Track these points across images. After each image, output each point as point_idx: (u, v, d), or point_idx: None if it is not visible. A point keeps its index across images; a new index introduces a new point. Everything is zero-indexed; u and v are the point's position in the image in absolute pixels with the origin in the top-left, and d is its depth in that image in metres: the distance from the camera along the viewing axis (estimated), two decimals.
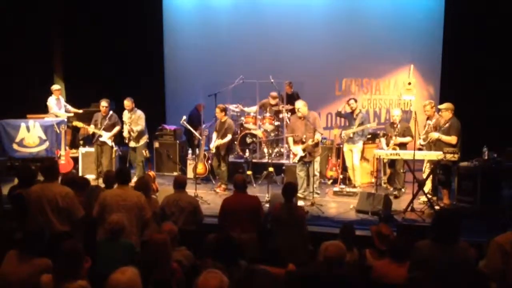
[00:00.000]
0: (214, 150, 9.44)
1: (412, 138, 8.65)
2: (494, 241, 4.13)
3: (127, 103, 9.63)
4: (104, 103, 9.64)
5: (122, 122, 9.79)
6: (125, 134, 9.66)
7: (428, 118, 8.56)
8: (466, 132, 8.21)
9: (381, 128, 9.80)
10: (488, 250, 4.19)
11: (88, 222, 5.68)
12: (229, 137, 9.32)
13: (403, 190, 9.14)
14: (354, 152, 9.21)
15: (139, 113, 9.71)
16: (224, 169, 9.42)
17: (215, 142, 9.37)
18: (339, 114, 9.69)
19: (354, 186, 9.23)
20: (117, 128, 9.75)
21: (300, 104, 8.54)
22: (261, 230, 6.30)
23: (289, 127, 8.94)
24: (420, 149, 8.33)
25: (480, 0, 10.68)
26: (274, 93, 10.63)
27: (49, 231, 5.19)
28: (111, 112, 9.71)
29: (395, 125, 8.79)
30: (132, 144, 9.71)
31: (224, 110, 9.48)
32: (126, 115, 9.74)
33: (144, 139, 9.76)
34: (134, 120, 9.62)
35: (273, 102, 10.68)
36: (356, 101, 9.31)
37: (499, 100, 10.57)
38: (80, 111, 11.23)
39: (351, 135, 9.12)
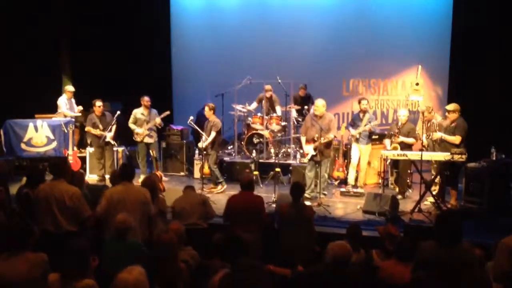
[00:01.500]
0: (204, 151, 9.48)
1: (416, 140, 8.63)
2: (502, 242, 4.12)
3: (148, 99, 9.83)
4: (99, 103, 9.69)
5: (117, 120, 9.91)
6: (142, 131, 9.72)
7: (429, 121, 8.54)
8: (474, 133, 8.17)
9: (388, 129, 9.77)
10: (495, 251, 4.17)
11: (96, 221, 5.70)
12: (212, 134, 9.27)
13: (410, 191, 9.11)
14: (363, 153, 9.20)
15: (155, 110, 9.93)
16: (214, 168, 9.41)
17: (204, 142, 9.36)
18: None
19: (355, 186, 9.23)
20: (115, 127, 9.83)
21: (319, 103, 8.54)
22: (263, 230, 6.30)
23: (303, 125, 8.95)
24: (421, 150, 8.31)
25: (489, 1, 10.63)
26: (268, 86, 10.69)
27: (57, 230, 5.25)
28: (118, 112, 9.76)
29: (399, 125, 8.74)
30: (149, 140, 9.86)
31: (212, 109, 9.43)
32: (141, 112, 9.83)
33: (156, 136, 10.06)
34: (152, 117, 9.82)
35: (267, 95, 10.71)
36: (368, 102, 9.31)
37: (508, 100, 10.51)
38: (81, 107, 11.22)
39: (357, 136, 9.10)
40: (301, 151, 9.63)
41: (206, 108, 9.44)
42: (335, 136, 8.77)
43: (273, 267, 4.90)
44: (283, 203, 6.63)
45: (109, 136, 9.64)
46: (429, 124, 8.55)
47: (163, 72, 13.10)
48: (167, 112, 9.92)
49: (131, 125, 9.83)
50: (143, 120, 9.78)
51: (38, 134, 10.36)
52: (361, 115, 9.20)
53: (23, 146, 10.32)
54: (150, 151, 9.60)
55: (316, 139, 8.40)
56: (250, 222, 6.11)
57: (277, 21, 12.24)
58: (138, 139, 9.84)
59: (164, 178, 9.74)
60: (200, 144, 9.48)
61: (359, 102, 9.27)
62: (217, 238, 5.02)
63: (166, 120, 10.59)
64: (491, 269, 4.21)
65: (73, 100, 11.13)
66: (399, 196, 8.67)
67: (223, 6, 12.84)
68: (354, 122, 9.34)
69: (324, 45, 11.96)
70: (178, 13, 13.17)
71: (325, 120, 8.53)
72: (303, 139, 8.79)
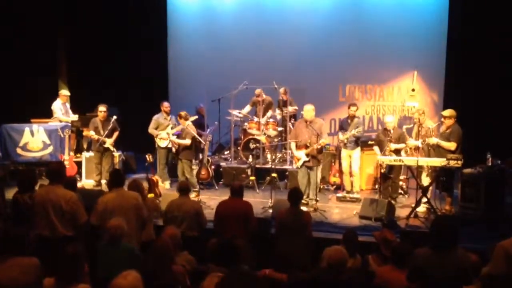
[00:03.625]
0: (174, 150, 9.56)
1: (405, 143, 8.62)
2: (499, 246, 4.11)
3: (168, 105, 10.03)
4: (102, 108, 9.69)
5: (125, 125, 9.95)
6: (166, 135, 9.77)
7: (420, 125, 8.49)
8: (469, 139, 8.18)
9: (376, 135, 9.73)
10: (492, 255, 4.17)
11: (91, 226, 5.69)
12: (185, 141, 9.29)
13: (406, 196, 9.12)
14: (353, 158, 9.18)
15: (173, 117, 10.07)
16: (189, 176, 9.30)
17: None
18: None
19: (351, 192, 9.22)
20: (117, 133, 9.82)
21: (309, 108, 8.50)
22: (251, 236, 6.30)
23: (292, 131, 8.90)
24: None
25: (485, 7, 10.68)
26: (258, 91, 10.68)
27: (53, 235, 5.23)
28: (115, 117, 9.74)
29: (388, 132, 8.72)
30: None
31: (184, 117, 9.39)
32: (163, 117, 9.93)
33: None
34: (173, 122, 9.95)
35: (260, 99, 10.69)
36: (356, 107, 9.29)
37: (503, 106, 10.55)
38: (76, 116, 11.18)
39: (345, 141, 9.08)
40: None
41: (178, 117, 9.51)
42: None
43: (270, 272, 4.89)
44: (281, 208, 6.63)
45: (109, 142, 9.63)
46: (420, 128, 8.51)
47: (160, 77, 13.10)
48: (196, 117, 9.96)
49: (153, 131, 9.87)
50: (166, 125, 9.82)
51: (34, 139, 10.32)
52: (349, 120, 9.19)
53: (19, 150, 10.27)
54: (147, 156, 9.58)
55: (308, 144, 8.36)
56: (238, 228, 6.12)
57: (273, 26, 12.26)
58: (162, 144, 9.84)
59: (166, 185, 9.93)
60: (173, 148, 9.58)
61: (349, 107, 9.26)
62: (211, 244, 5.02)
63: None
64: (488, 273, 4.20)
65: (67, 105, 11.09)
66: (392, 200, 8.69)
67: (220, 11, 12.86)
68: (342, 127, 9.32)
69: (320, 50, 11.99)
70: (175, 18, 13.18)
71: (316, 124, 8.48)
72: (293, 145, 8.70)
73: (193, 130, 9.33)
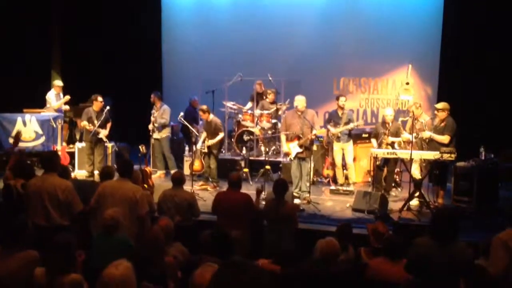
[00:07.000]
0: (206, 150, 9.32)
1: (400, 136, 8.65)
2: (498, 238, 4.10)
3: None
4: (101, 98, 9.65)
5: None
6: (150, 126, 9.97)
7: (415, 118, 8.47)
8: (463, 132, 8.19)
9: (373, 128, 9.73)
10: (491, 248, 4.15)
11: (84, 215, 5.67)
12: (221, 135, 9.24)
13: (399, 189, 9.13)
14: (347, 151, 9.16)
15: (165, 107, 10.07)
16: (213, 166, 9.32)
17: (206, 142, 9.26)
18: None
19: (344, 185, 9.23)
20: (109, 124, 9.82)
21: (301, 98, 8.44)
22: (252, 228, 6.29)
23: (283, 123, 8.76)
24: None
25: (479, 1, 10.68)
26: (259, 81, 10.82)
27: (49, 224, 5.21)
28: (108, 107, 9.70)
29: (387, 125, 8.71)
30: (155, 135, 10.01)
31: (208, 111, 9.31)
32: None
33: (166, 132, 10.11)
34: (159, 114, 9.97)
35: (259, 90, 10.74)
36: (345, 98, 9.20)
37: (497, 100, 10.58)
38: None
39: (339, 134, 9.05)
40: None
41: (200, 112, 9.39)
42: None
43: (262, 263, 4.89)
44: (268, 199, 6.65)
45: (103, 133, 9.58)
46: (415, 122, 8.50)
47: (154, 68, 13.04)
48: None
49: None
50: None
51: (27, 129, 10.25)
52: (339, 112, 9.12)
53: (11, 140, 10.19)
54: (140, 147, 9.55)
55: (301, 135, 8.32)
56: (237, 220, 6.11)
57: (268, 18, 12.23)
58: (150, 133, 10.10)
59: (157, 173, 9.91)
60: (199, 145, 9.40)
61: (337, 99, 9.13)
62: (204, 235, 5.00)
63: None
64: (488, 266, 4.19)
65: (61, 95, 11.02)
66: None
67: (214, 3, 12.81)
68: (332, 120, 9.21)
69: (315, 43, 11.96)
70: (169, 9, 13.11)
71: (308, 115, 8.42)
72: (283, 137, 8.61)
73: (219, 124, 9.32)
